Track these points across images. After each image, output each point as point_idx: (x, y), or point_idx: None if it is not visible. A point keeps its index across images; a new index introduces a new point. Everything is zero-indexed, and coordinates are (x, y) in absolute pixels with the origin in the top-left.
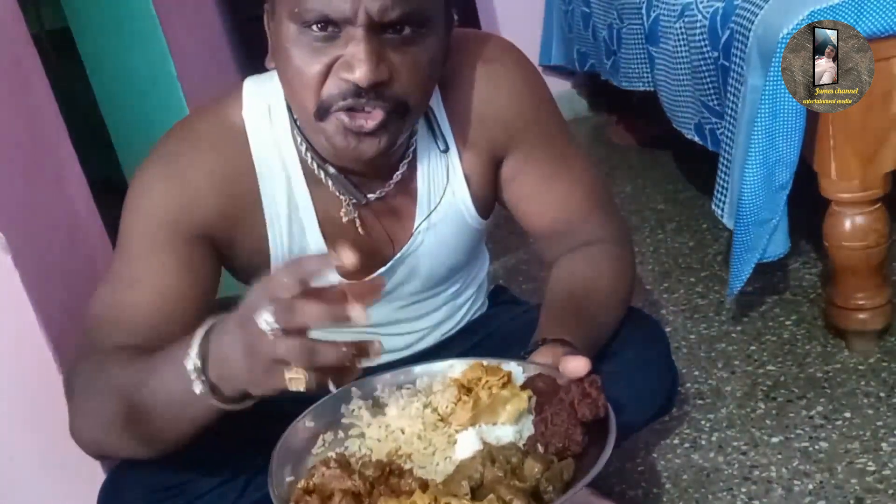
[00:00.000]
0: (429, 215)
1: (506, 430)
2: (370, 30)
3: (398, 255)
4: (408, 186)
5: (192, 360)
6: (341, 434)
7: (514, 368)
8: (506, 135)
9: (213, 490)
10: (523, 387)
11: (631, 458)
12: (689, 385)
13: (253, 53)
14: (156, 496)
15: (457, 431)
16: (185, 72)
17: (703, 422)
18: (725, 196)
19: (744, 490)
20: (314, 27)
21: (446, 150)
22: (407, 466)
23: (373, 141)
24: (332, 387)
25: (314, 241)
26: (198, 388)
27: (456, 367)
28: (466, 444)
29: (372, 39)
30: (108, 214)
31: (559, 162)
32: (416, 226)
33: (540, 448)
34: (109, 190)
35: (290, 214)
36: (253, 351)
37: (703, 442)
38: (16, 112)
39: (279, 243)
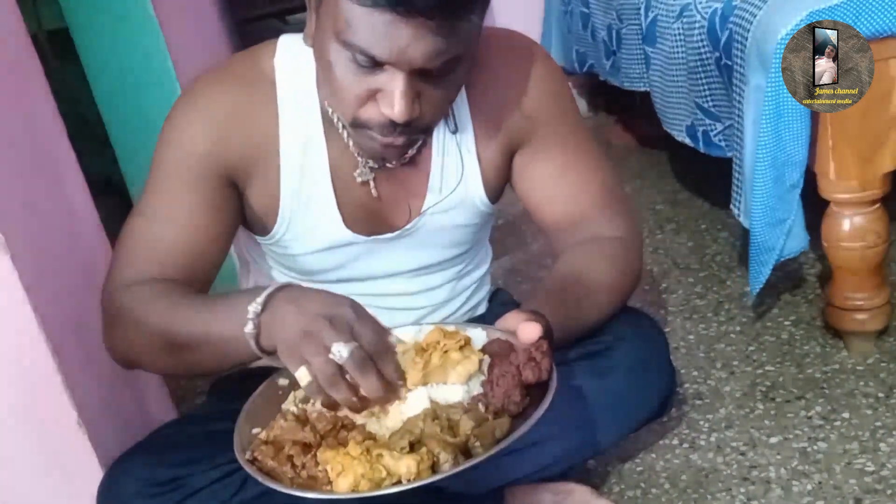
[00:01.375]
0: (440, 201)
1: (455, 390)
2: (411, 73)
3: (406, 226)
4: (421, 163)
5: (255, 305)
6: None
7: (478, 333)
8: (524, 124)
9: (211, 485)
10: (481, 350)
11: (629, 458)
12: (687, 385)
13: None
14: (154, 490)
15: (410, 391)
16: (184, 73)
17: (701, 422)
18: (741, 196)
19: (742, 490)
20: (358, 56)
21: (455, 132)
22: (360, 422)
23: (396, 152)
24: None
25: (323, 194)
26: (249, 327)
27: (424, 331)
28: (416, 403)
29: (411, 81)
30: (107, 214)
31: (573, 156)
32: (424, 205)
33: (481, 407)
34: (108, 190)
35: (304, 164)
36: (300, 343)
37: (702, 442)
38: (14, 112)
39: (289, 191)
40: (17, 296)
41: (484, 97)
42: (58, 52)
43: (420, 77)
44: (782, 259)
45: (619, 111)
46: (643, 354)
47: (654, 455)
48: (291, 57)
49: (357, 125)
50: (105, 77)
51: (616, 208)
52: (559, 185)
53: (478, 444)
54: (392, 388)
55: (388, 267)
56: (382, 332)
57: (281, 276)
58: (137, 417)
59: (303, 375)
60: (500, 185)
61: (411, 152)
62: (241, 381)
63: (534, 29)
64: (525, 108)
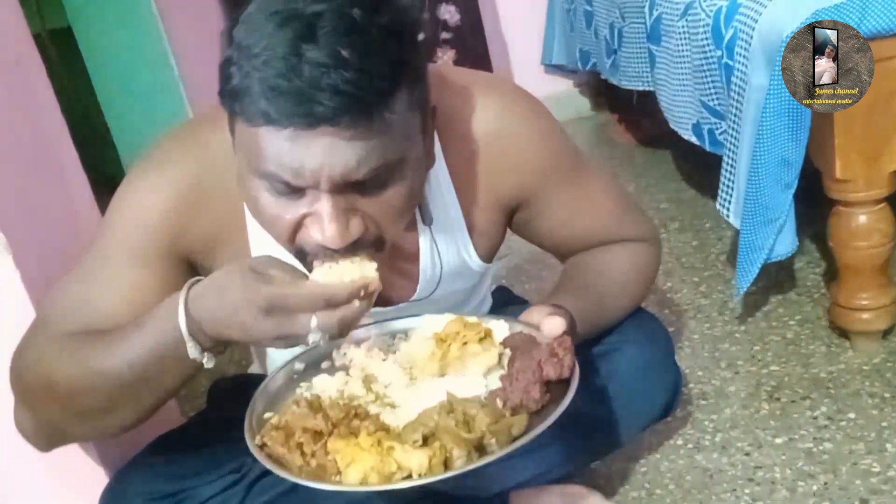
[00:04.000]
0: (434, 290)
1: (473, 383)
2: (335, 191)
3: (399, 305)
4: (409, 247)
5: (180, 319)
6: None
7: (500, 325)
8: (519, 187)
9: (216, 496)
10: (503, 343)
11: (634, 458)
12: (692, 385)
13: None
14: (158, 503)
15: (429, 379)
16: (186, 71)
17: (706, 422)
18: (731, 195)
19: (747, 491)
20: (276, 185)
21: (430, 224)
22: (374, 411)
23: None
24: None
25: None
26: (182, 321)
27: (445, 320)
28: (432, 394)
29: (338, 200)
30: None
31: (579, 197)
32: (416, 295)
33: (499, 402)
34: (111, 189)
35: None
36: (281, 335)
37: (707, 442)
38: (17, 111)
39: None
40: (19, 296)
41: (466, 166)
42: (60, 50)
43: (352, 191)
44: (770, 261)
45: (622, 110)
46: (648, 355)
47: (658, 455)
48: None
49: (300, 255)
50: (107, 76)
51: (631, 220)
52: (572, 226)
53: (493, 441)
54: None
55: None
56: (298, 277)
57: None
58: None
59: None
60: (495, 246)
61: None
62: (239, 387)
63: (536, 26)
64: (517, 168)
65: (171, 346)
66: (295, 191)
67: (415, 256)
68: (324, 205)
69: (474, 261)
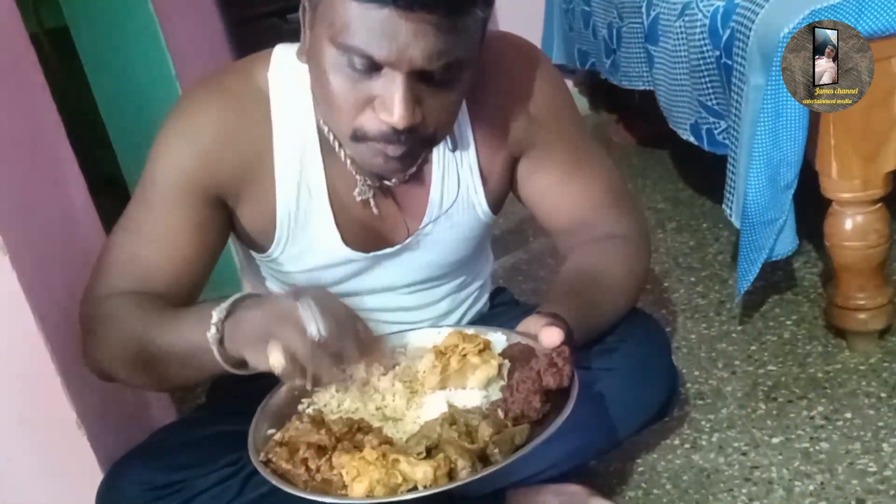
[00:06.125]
0: (440, 216)
1: (473, 395)
2: (411, 75)
3: (406, 241)
4: (422, 178)
5: (220, 311)
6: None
7: (498, 337)
8: (526, 131)
9: (212, 488)
10: (501, 354)
11: (631, 458)
12: (689, 385)
13: (252, 53)
14: (154, 494)
15: (430, 393)
16: (183, 71)
17: (703, 422)
18: (733, 195)
19: (744, 491)
20: (356, 60)
21: (454, 150)
22: (376, 425)
23: (399, 165)
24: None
25: (321, 212)
26: (211, 331)
27: (443, 333)
28: (433, 407)
29: (411, 85)
30: (106, 213)
31: (577, 159)
32: (424, 221)
33: (500, 413)
34: (108, 189)
35: (300, 182)
36: (272, 328)
37: (704, 442)
38: (14, 112)
39: (286, 209)
40: (16, 296)
41: (484, 107)
42: (57, 50)
43: (421, 81)
44: (771, 260)
45: (620, 110)
46: (645, 356)
47: (655, 455)
48: (286, 70)
49: (357, 138)
50: (105, 76)
51: (622, 208)
52: (565, 190)
53: (496, 450)
54: (375, 346)
55: (388, 282)
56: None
57: (276, 288)
58: (137, 418)
59: (277, 359)
60: (502, 194)
61: (412, 169)
62: (240, 383)
63: (535, 26)
64: (527, 115)
65: (201, 349)
66: (372, 69)
67: (426, 188)
68: (398, 86)
69: (482, 206)
